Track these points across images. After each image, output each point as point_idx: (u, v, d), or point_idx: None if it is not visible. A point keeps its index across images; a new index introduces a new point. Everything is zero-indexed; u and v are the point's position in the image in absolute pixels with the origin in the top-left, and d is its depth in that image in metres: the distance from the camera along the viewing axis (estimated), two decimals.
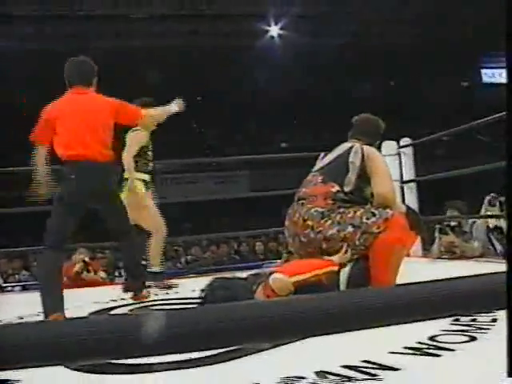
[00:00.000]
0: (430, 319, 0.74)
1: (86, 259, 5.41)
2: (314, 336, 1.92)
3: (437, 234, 5.17)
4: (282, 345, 1.86)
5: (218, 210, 13.04)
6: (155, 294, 3.49)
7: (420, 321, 0.74)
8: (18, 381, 1.46)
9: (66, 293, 4.56)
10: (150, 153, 4.03)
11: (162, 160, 15.87)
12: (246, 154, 10.92)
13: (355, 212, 2.42)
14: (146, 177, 3.97)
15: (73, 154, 2.81)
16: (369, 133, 2.81)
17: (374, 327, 0.73)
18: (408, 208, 2.74)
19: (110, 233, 3.11)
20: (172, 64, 14.88)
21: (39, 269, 3.41)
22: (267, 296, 2.28)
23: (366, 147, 2.64)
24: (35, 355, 0.63)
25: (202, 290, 2.42)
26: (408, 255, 3.69)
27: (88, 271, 5.27)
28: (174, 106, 3.34)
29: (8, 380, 1.41)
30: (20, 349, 0.62)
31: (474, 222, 5.15)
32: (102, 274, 5.55)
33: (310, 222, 2.47)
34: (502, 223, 4.67)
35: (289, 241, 2.62)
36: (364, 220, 2.40)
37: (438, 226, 5.16)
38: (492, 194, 4.76)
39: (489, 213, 4.83)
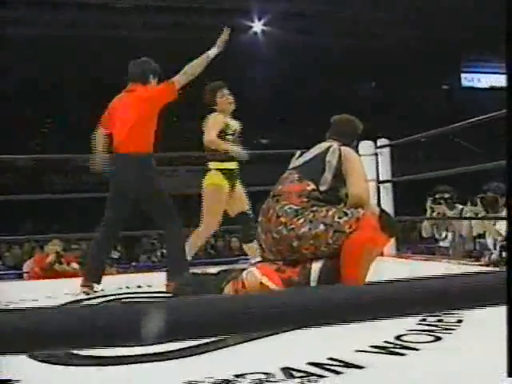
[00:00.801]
0: (398, 316, 0.76)
1: (59, 250, 5.37)
2: (289, 329, 1.94)
3: (429, 205, 5.26)
4: (249, 341, 1.87)
5: (195, 204, 13.01)
6: (127, 287, 3.47)
7: (387, 318, 0.75)
8: (18, 381, 1.45)
9: (38, 283, 4.56)
10: (229, 137, 3.79)
11: None
12: None
13: (328, 211, 2.44)
14: (227, 165, 3.77)
15: (115, 146, 3.27)
16: (346, 133, 2.83)
17: (341, 323, 0.74)
18: (381, 210, 2.76)
19: (155, 223, 3.33)
20: (154, 56, 14.77)
21: (90, 249, 3.61)
22: (235, 291, 2.31)
23: (343, 148, 2.66)
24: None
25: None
26: (382, 255, 3.73)
27: (60, 263, 5.22)
28: (213, 49, 3.45)
29: (9, 380, 1.40)
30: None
31: (463, 209, 5.25)
32: (75, 266, 5.50)
33: (283, 219, 2.48)
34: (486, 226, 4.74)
35: (261, 237, 2.62)
36: (336, 219, 2.42)
37: (430, 198, 5.26)
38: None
39: (470, 213, 4.90)
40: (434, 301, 0.76)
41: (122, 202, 3.24)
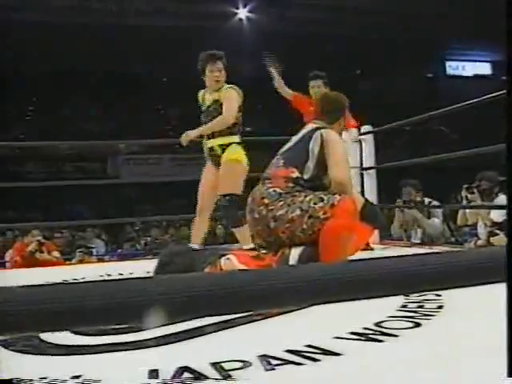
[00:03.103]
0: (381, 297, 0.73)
1: (40, 239, 5.31)
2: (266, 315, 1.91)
3: (398, 210, 5.24)
4: (226, 328, 1.85)
5: (179, 191, 12.95)
6: (108, 275, 3.43)
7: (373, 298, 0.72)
8: (22, 380, 1.43)
9: (18, 272, 4.50)
10: (201, 116, 3.60)
11: (124, 140, 15.69)
12: None
13: (306, 196, 2.43)
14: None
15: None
16: (329, 110, 2.78)
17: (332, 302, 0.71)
18: (366, 200, 2.75)
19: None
20: (136, 43, 14.62)
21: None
22: None
23: (326, 132, 2.63)
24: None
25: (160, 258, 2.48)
26: (367, 245, 3.71)
27: (42, 251, 5.17)
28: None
29: (12, 379, 1.37)
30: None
31: (430, 202, 5.24)
32: (56, 254, 5.45)
33: (266, 201, 2.49)
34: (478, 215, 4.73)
35: (247, 217, 2.64)
36: (312, 204, 2.41)
37: (399, 200, 5.23)
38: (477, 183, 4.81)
39: (466, 199, 4.88)
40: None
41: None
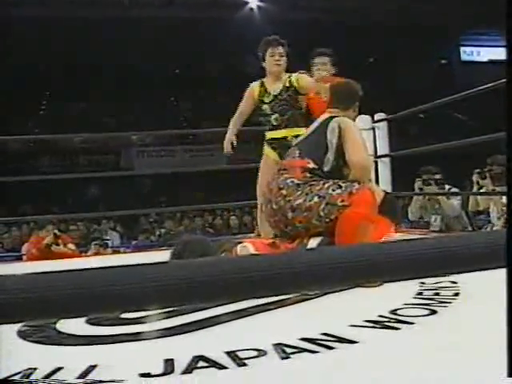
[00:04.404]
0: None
1: (56, 232, 5.36)
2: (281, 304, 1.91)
3: (417, 186, 5.17)
4: (241, 317, 1.85)
5: (193, 183, 12.98)
6: None
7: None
8: (20, 381, 1.44)
9: (34, 264, 4.54)
10: (265, 106, 3.43)
11: (138, 132, 15.73)
12: (223, 127, 10.80)
13: (324, 184, 2.42)
14: (273, 134, 3.41)
15: None
16: (343, 98, 2.76)
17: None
18: (386, 193, 2.71)
19: None
20: (148, 35, 14.63)
21: None
22: None
23: (342, 121, 2.60)
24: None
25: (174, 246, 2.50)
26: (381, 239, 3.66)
27: (57, 244, 5.22)
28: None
29: (8, 379, 1.39)
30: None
31: (450, 189, 5.19)
32: (72, 247, 5.50)
33: (284, 191, 2.48)
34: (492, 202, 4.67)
35: (263, 208, 2.63)
36: (330, 191, 2.39)
37: (418, 180, 5.16)
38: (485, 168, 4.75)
39: (477, 184, 4.81)
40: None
41: None
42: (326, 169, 2.50)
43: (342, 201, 2.36)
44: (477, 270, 0.69)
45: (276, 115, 3.38)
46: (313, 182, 2.44)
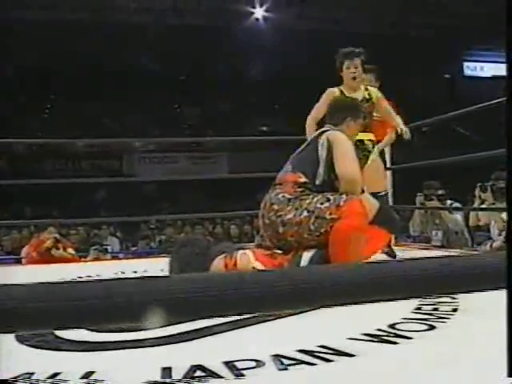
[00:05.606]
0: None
1: (57, 236, 5.36)
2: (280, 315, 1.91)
3: (419, 201, 5.16)
4: (238, 328, 1.85)
5: (195, 190, 12.99)
6: (122, 273, 3.45)
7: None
8: (17, 381, 1.45)
9: (34, 268, 4.54)
10: None
11: (141, 138, 15.74)
12: (226, 136, 10.83)
13: (313, 198, 2.43)
14: None
15: None
16: (335, 111, 2.79)
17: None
18: (381, 205, 2.71)
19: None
20: (154, 42, 14.69)
21: None
22: (225, 265, 2.32)
23: (331, 134, 2.62)
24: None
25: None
26: (389, 249, 3.65)
27: (57, 248, 5.22)
28: None
29: (7, 380, 1.39)
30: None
31: (452, 204, 5.20)
32: (71, 251, 5.50)
33: (275, 206, 2.49)
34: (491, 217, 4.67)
35: (259, 222, 2.65)
36: (318, 205, 2.40)
37: (420, 194, 5.16)
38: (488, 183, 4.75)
39: (479, 199, 4.80)
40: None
41: None
42: (317, 182, 2.52)
43: (331, 214, 2.37)
44: (476, 291, 0.69)
45: None
46: (303, 197, 2.46)
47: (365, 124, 3.43)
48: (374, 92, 3.61)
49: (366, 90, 3.58)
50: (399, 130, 3.63)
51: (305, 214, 2.39)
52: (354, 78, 3.50)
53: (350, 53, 3.53)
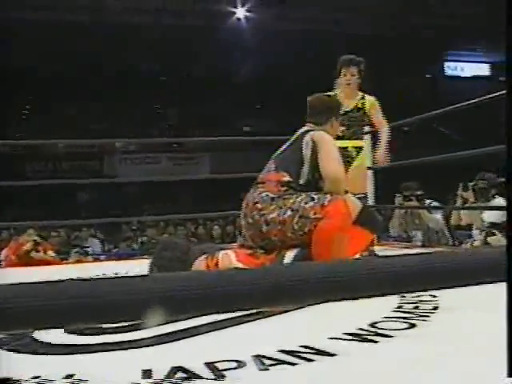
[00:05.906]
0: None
1: (37, 239, 5.30)
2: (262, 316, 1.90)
3: (398, 202, 5.18)
4: (220, 329, 1.84)
5: (176, 191, 12.94)
6: (103, 274, 3.42)
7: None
8: (18, 380, 1.42)
9: (13, 271, 4.48)
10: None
11: (122, 139, 15.62)
12: (208, 136, 10.79)
13: (297, 197, 2.43)
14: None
15: None
16: (318, 112, 2.78)
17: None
18: (364, 205, 2.71)
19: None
20: (135, 42, 14.60)
21: None
22: (207, 266, 2.33)
23: (315, 134, 2.61)
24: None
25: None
26: (366, 249, 3.66)
27: (37, 251, 5.16)
28: None
29: (8, 379, 1.36)
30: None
31: (430, 203, 5.23)
32: (52, 253, 5.44)
33: (259, 205, 2.48)
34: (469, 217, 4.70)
35: (242, 222, 2.63)
36: (302, 204, 2.39)
37: (398, 196, 5.19)
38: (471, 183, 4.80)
39: (462, 198, 4.84)
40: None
41: None
42: (301, 182, 2.51)
43: (315, 213, 2.37)
44: (470, 285, 0.70)
45: (343, 128, 3.48)
46: (286, 196, 2.45)
47: (353, 132, 3.56)
48: (370, 101, 3.63)
49: (363, 98, 3.62)
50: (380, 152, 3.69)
51: (288, 213, 2.39)
52: (348, 85, 3.56)
53: (349, 60, 3.60)
